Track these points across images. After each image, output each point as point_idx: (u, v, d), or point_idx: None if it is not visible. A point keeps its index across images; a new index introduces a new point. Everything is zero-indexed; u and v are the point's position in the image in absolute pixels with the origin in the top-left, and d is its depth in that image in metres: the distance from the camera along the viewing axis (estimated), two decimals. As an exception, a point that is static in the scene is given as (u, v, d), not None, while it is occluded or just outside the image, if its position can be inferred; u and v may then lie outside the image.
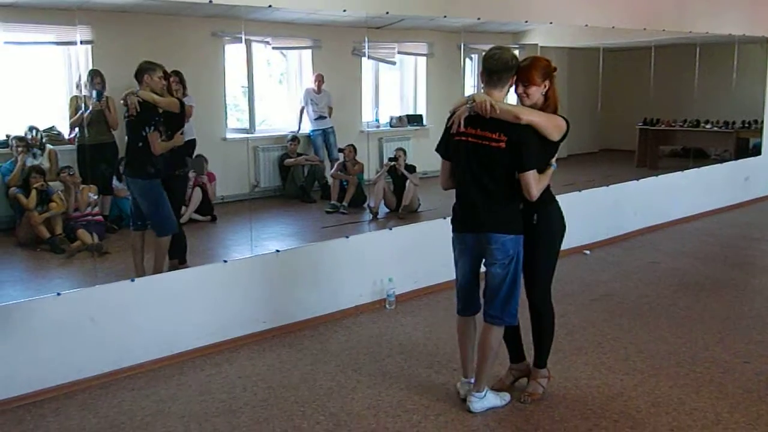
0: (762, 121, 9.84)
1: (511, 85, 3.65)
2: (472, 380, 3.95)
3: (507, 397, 3.99)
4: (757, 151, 9.97)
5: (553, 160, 3.75)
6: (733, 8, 8.93)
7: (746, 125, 10.06)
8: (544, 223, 3.77)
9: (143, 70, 4.90)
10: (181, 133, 5.18)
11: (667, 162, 10.12)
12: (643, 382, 4.22)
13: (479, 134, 3.57)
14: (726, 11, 8.84)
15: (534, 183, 3.55)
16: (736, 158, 9.87)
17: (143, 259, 5.06)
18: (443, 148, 3.80)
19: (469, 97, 3.62)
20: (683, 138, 10.38)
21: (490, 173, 3.60)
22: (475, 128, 3.58)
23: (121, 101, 4.97)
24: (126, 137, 5.09)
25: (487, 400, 3.88)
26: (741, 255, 7.47)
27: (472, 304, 3.93)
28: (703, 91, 9.39)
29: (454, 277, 3.99)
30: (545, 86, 3.65)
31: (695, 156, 9.91)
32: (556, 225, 3.86)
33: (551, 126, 3.60)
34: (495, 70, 3.57)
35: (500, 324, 3.80)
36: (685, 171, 8.83)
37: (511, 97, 3.81)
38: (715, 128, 10.12)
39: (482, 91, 3.65)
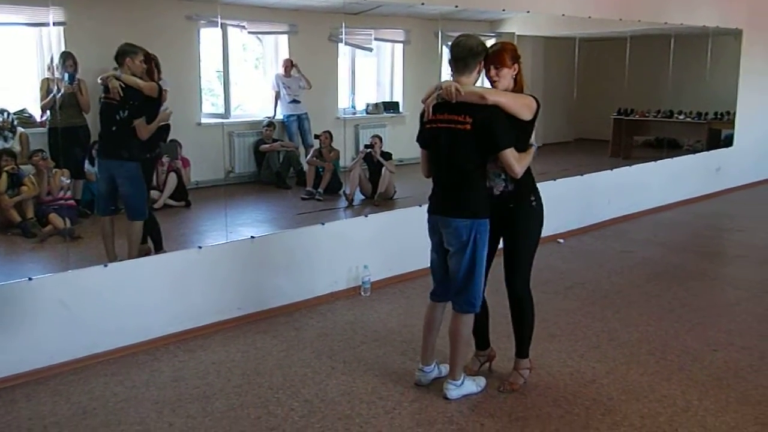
0: (734, 113, 9.95)
1: (480, 71, 3.69)
2: (426, 369, 4.03)
3: (482, 382, 4.01)
4: (728, 142, 10.09)
5: (533, 140, 3.79)
6: (707, 0, 9.00)
7: (719, 116, 10.16)
8: (539, 207, 3.84)
9: (125, 53, 4.86)
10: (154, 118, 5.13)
11: (640, 152, 10.20)
12: (615, 370, 4.27)
13: (446, 118, 3.62)
14: (700, 3, 8.92)
15: (515, 161, 3.57)
16: (708, 149, 9.99)
17: (114, 244, 5.02)
18: (420, 137, 3.84)
19: (438, 84, 3.69)
20: (657, 128, 10.47)
21: (456, 156, 3.63)
22: (442, 113, 3.64)
23: (101, 83, 4.91)
24: (101, 120, 5.03)
25: (464, 387, 3.90)
26: (712, 245, 7.58)
27: (443, 290, 3.93)
28: (676, 82, 9.47)
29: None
30: (515, 69, 3.71)
31: (668, 146, 10.01)
32: (542, 212, 3.89)
33: (519, 104, 3.62)
34: (460, 57, 3.62)
35: (460, 311, 3.81)
36: (658, 161, 8.93)
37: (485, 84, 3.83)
38: (688, 119, 10.21)
39: (452, 78, 3.69)
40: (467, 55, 3.61)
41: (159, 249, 5.21)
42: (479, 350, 4.23)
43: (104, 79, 4.89)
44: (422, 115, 3.76)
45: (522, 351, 4.05)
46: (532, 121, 3.71)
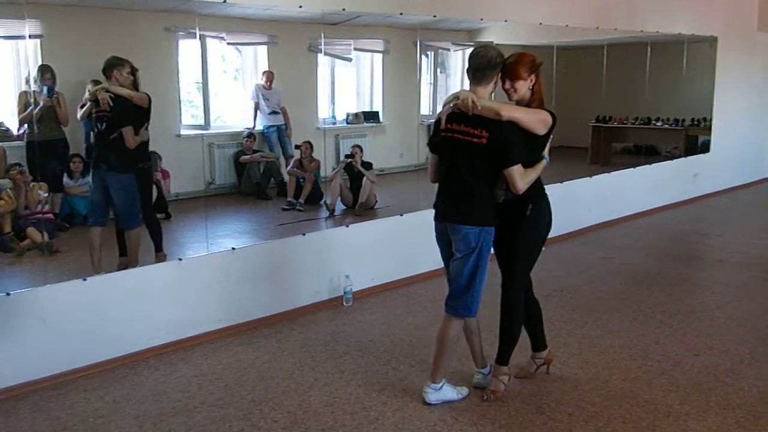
0: (710, 119, 10.06)
1: (496, 83, 3.72)
2: (485, 371, 4.10)
3: (465, 391, 4.01)
4: (705, 148, 10.20)
5: (545, 153, 3.81)
6: (683, 8, 9.12)
7: (696, 123, 10.28)
8: (536, 216, 3.84)
9: (112, 66, 4.93)
10: (146, 129, 5.20)
11: (619, 159, 10.29)
12: (597, 376, 4.29)
13: (462, 130, 3.64)
14: (676, 11, 9.02)
15: (519, 177, 3.60)
16: (686, 155, 10.09)
17: (101, 256, 5.01)
18: (432, 142, 3.90)
19: (455, 94, 3.71)
20: (635, 135, 10.57)
21: (471, 168, 3.65)
22: (459, 124, 3.66)
23: (89, 97, 4.95)
24: (93, 132, 5.08)
25: (443, 392, 3.91)
26: (690, 250, 7.64)
27: None
28: (654, 90, 9.57)
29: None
30: (531, 80, 3.73)
31: (646, 153, 10.10)
32: (545, 221, 3.91)
33: (535, 120, 3.64)
34: (479, 68, 3.64)
35: (456, 314, 3.82)
36: (637, 168, 9.00)
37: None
38: (666, 126, 10.32)
39: (469, 88, 3.72)
40: (486, 66, 3.64)
41: (159, 250, 5.33)
42: (536, 352, 4.27)
43: (93, 93, 4.93)
44: (437, 123, 3.80)
45: (503, 358, 4.04)
46: (546, 136, 3.74)
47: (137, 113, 5.06)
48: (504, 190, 3.75)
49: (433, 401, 3.89)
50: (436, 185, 3.92)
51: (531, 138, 3.67)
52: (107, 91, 4.89)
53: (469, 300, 3.79)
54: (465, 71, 3.81)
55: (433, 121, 3.89)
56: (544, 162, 3.78)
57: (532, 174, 3.71)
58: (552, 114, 3.72)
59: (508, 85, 3.73)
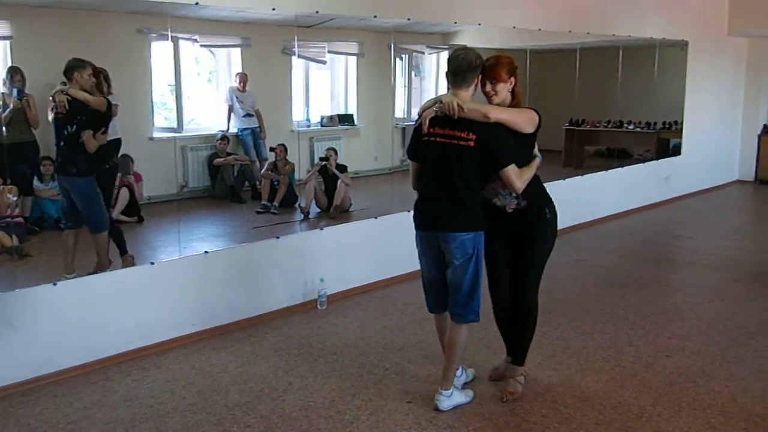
0: (682, 122, 10.17)
1: (476, 85, 3.67)
2: (458, 373, 3.99)
3: (471, 393, 4.01)
4: (677, 151, 10.31)
5: (536, 151, 3.80)
6: (654, 12, 9.21)
7: (667, 126, 10.38)
8: (554, 218, 3.90)
9: (73, 68, 4.84)
10: (104, 132, 5.11)
11: (592, 161, 10.36)
12: (570, 378, 4.31)
13: (448, 134, 3.60)
14: (647, 15, 9.11)
15: (515, 177, 3.58)
16: (658, 158, 10.18)
17: (74, 258, 4.97)
18: (411, 149, 3.83)
19: (437, 98, 3.68)
20: (607, 138, 10.64)
21: (459, 172, 3.60)
22: (443, 128, 3.61)
23: (50, 99, 4.86)
24: (55, 136, 4.99)
25: (454, 398, 3.89)
26: (662, 252, 7.72)
27: (444, 302, 3.89)
28: (626, 93, 9.65)
29: (420, 272, 4.00)
30: (512, 83, 3.71)
31: (619, 156, 10.18)
32: (556, 222, 3.96)
33: (523, 119, 3.65)
34: (459, 71, 3.61)
35: (464, 322, 3.79)
36: (609, 170, 9.08)
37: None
38: (638, 129, 10.41)
39: (449, 91, 3.68)
40: (466, 69, 3.60)
41: (124, 253, 5.24)
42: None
43: (53, 95, 4.86)
44: (417, 128, 3.74)
45: (519, 359, 4.07)
46: (534, 134, 3.74)
47: (96, 117, 4.96)
48: (514, 197, 3.75)
49: (446, 408, 3.86)
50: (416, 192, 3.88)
51: (519, 137, 3.65)
52: (65, 93, 4.81)
53: (475, 305, 3.78)
54: (444, 74, 3.76)
55: (413, 127, 3.83)
56: (537, 160, 3.77)
57: (528, 173, 3.69)
58: (537, 111, 3.72)
59: (489, 87, 3.69)
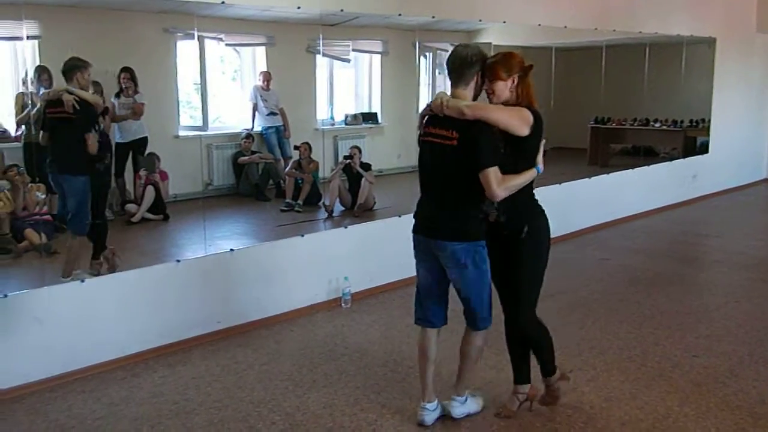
0: (709, 120, 10.05)
1: (479, 83, 3.44)
2: (429, 405, 3.71)
3: (481, 401, 3.89)
4: (704, 149, 10.20)
5: (539, 160, 3.49)
6: (681, 9, 9.12)
7: (694, 124, 10.27)
8: (533, 239, 3.52)
9: (75, 68, 4.83)
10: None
11: (617, 160, 10.29)
12: (596, 378, 4.28)
13: (436, 132, 3.42)
14: (674, 12, 9.02)
15: (494, 182, 3.26)
16: (684, 156, 10.08)
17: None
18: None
19: (436, 96, 3.45)
20: (633, 136, 10.55)
21: (446, 173, 3.41)
22: (434, 127, 3.44)
23: (46, 99, 4.90)
24: (51, 135, 4.99)
25: (467, 405, 3.78)
26: (689, 251, 7.64)
27: (433, 313, 3.66)
28: (652, 91, 9.56)
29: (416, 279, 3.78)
30: (513, 81, 3.40)
31: (645, 154, 10.09)
32: (545, 240, 3.62)
33: (513, 118, 3.32)
34: (453, 68, 3.43)
35: (477, 329, 3.62)
36: (635, 169, 9.00)
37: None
38: (664, 127, 10.30)
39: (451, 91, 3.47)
40: (460, 65, 3.39)
41: (97, 254, 5.09)
42: (518, 385, 3.85)
43: (53, 94, 4.85)
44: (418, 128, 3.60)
45: (547, 370, 3.83)
46: (533, 138, 3.41)
47: (95, 117, 4.97)
48: (495, 207, 3.44)
49: (459, 415, 3.74)
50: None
51: (518, 142, 3.36)
52: (71, 93, 4.78)
53: (485, 311, 3.57)
54: (448, 75, 3.53)
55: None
56: (533, 171, 3.45)
57: (515, 180, 3.36)
58: (535, 113, 3.38)
59: (486, 85, 3.43)
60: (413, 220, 3.65)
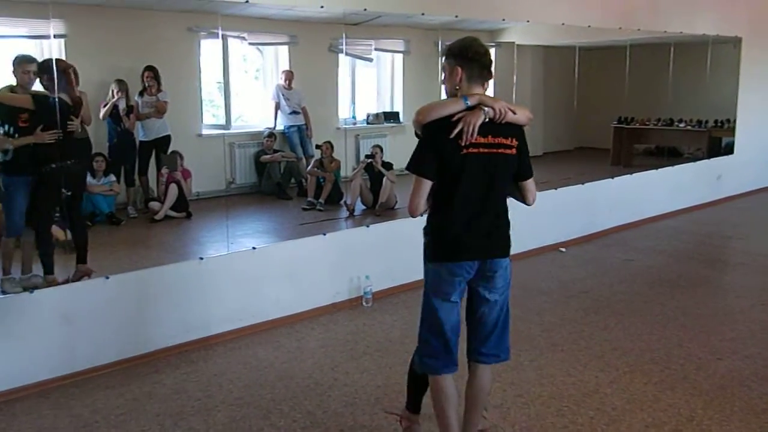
0: (734, 120, 9.95)
1: (459, 77, 3.03)
2: None
3: None
4: (729, 150, 10.09)
5: None
6: (706, 8, 9.03)
7: (719, 124, 10.17)
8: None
9: (15, 63, 4.64)
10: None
11: (641, 160, 10.21)
12: (619, 379, 4.25)
13: (493, 142, 2.95)
14: (700, 11, 8.94)
15: (534, 189, 3.14)
16: (709, 157, 9.98)
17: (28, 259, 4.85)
18: (428, 166, 2.96)
19: (464, 100, 2.92)
20: (657, 136, 10.48)
21: (501, 186, 3.05)
22: (485, 136, 2.92)
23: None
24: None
25: None
26: (713, 252, 7.56)
27: (457, 354, 3.19)
28: (676, 90, 9.48)
29: (431, 323, 3.23)
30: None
31: (669, 154, 10.02)
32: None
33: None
34: (487, 64, 3.02)
35: (499, 361, 3.26)
36: (659, 169, 8.92)
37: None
38: (689, 127, 10.22)
39: (474, 91, 2.99)
40: (491, 62, 3.04)
41: (81, 261, 4.92)
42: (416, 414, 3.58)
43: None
44: (436, 139, 2.93)
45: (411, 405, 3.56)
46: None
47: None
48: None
49: None
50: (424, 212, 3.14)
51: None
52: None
53: (508, 340, 3.25)
54: (484, 72, 3.02)
55: (426, 138, 2.99)
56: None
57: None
58: None
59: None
60: (442, 248, 3.11)
